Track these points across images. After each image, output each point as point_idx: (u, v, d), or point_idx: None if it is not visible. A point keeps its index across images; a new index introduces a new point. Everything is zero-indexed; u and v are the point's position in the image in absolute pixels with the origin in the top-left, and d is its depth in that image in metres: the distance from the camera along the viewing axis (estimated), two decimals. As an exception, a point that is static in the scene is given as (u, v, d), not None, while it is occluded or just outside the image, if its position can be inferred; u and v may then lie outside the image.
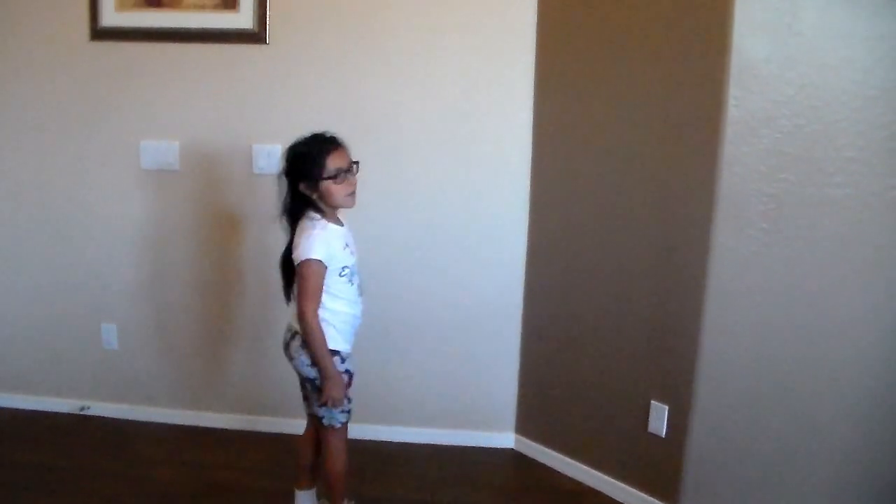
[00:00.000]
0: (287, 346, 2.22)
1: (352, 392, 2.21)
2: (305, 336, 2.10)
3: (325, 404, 2.16)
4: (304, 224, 2.10)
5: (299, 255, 2.05)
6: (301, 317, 2.08)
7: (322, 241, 2.06)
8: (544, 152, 2.81)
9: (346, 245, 2.16)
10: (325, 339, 2.09)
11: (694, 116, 2.31)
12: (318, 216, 2.10)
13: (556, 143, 2.77)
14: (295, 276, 2.13)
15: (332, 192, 2.08)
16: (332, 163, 2.06)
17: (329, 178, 2.06)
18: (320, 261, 2.05)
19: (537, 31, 2.76)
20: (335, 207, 2.14)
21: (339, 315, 2.15)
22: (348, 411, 2.23)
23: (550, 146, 2.79)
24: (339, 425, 2.22)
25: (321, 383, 2.14)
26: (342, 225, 2.18)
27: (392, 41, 2.82)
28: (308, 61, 2.86)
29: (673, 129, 2.38)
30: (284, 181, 2.13)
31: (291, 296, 2.19)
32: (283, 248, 2.19)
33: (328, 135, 2.12)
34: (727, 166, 2.23)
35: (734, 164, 2.23)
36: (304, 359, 2.16)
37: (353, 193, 2.13)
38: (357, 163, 2.15)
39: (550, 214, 2.82)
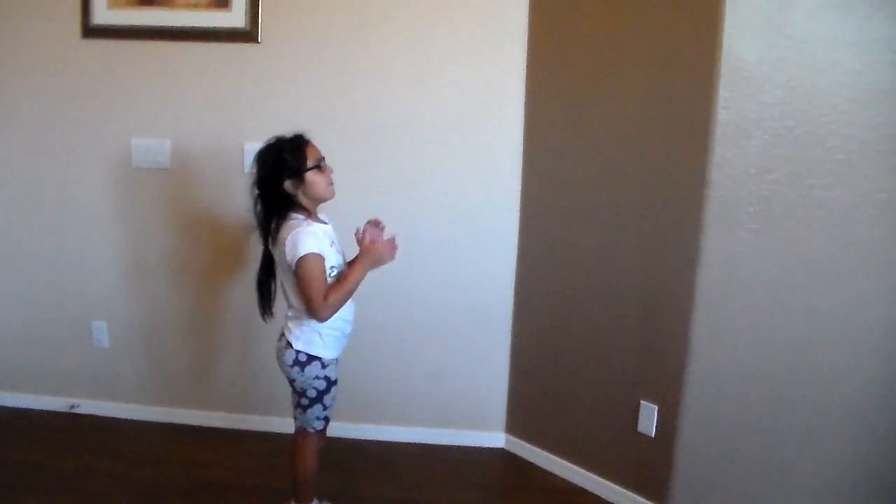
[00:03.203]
0: (280, 354, 2.20)
1: (331, 399, 2.20)
2: (339, 306, 2.09)
3: (298, 405, 2.18)
4: (290, 224, 2.07)
5: (295, 254, 2.02)
6: (318, 313, 2.05)
7: (313, 235, 2.05)
8: (535, 153, 2.82)
9: (332, 243, 2.15)
10: (347, 285, 2.09)
11: (684, 118, 2.31)
12: (301, 217, 2.09)
13: (546, 143, 2.78)
14: (277, 287, 2.18)
15: (317, 182, 2.09)
16: (311, 154, 2.10)
17: (313, 168, 2.08)
18: (318, 254, 2.03)
19: (528, 33, 2.77)
20: (319, 200, 2.13)
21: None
22: (324, 418, 2.21)
23: (541, 146, 2.80)
24: (312, 431, 2.21)
25: (370, 265, 2.17)
26: (326, 223, 2.19)
27: (384, 42, 2.82)
28: (300, 60, 2.86)
29: (663, 131, 2.39)
30: (256, 192, 2.11)
31: (267, 314, 2.21)
32: (259, 265, 2.19)
33: (291, 134, 2.12)
34: (717, 168, 2.24)
35: (724, 166, 2.24)
36: (286, 358, 2.15)
37: (332, 183, 2.15)
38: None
39: (541, 216, 2.83)
